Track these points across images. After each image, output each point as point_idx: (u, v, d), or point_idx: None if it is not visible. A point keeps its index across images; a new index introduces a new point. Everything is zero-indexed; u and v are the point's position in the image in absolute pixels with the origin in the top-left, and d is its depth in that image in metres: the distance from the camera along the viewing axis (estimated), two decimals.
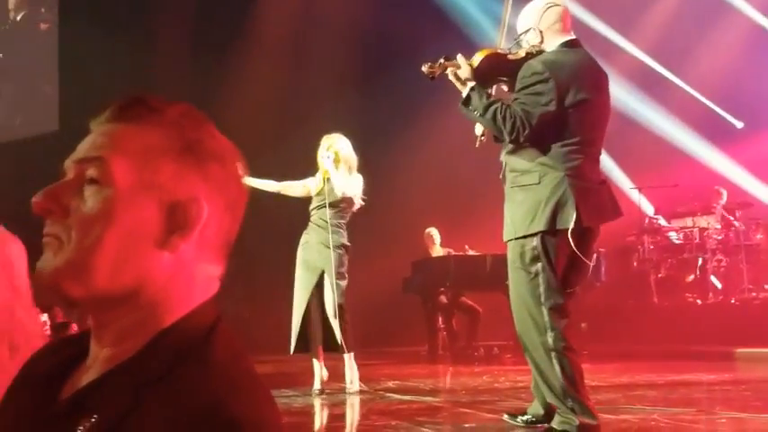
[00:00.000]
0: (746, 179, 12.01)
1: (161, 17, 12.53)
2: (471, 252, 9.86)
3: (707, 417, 4.86)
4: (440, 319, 10.22)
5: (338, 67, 12.05)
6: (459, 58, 4.03)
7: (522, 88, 3.92)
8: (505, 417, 4.37)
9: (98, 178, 0.97)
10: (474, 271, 9.36)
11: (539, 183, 3.89)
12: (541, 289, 3.88)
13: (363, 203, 6.33)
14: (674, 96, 12.48)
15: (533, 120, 3.83)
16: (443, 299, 10.02)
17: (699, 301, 10.47)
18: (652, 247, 11.08)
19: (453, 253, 9.99)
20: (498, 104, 3.90)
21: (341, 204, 6.23)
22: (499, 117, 3.86)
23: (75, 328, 7.93)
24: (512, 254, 4.00)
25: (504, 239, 4.11)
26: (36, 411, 1.00)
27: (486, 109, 3.91)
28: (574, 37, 4.11)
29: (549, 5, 4.12)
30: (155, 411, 0.88)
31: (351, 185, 6.20)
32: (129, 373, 0.93)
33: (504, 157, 4.15)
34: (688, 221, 10.98)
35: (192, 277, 1.00)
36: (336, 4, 12.04)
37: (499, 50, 4.13)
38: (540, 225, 3.85)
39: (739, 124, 12.52)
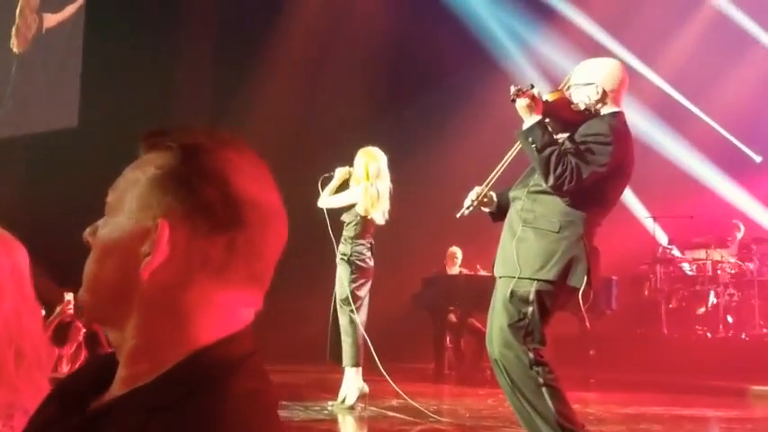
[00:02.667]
0: (763, 214, 11.93)
1: (187, 24, 12.60)
2: (482, 272, 9.81)
3: None
4: (448, 338, 10.17)
5: (362, 85, 12.06)
6: (536, 91, 4.01)
7: (582, 143, 3.92)
8: None
9: (106, 209, 1.05)
10: (483, 291, 9.22)
11: (557, 232, 3.89)
12: (528, 330, 3.88)
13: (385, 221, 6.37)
14: (693, 127, 12.42)
15: (583, 175, 3.84)
16: (453, 318, 9.98)
17: (709, 335, 10.39)
18: (664, 277, 11.02)
19: (465, 272, 9.96)
20: (557, 148, 3.89)
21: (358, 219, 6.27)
22: (554, 159, 3.84)
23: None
24: (504, 289, 3.97)
25: (498, 273, 4.10)
26: (57, 425, 1.02)
27: (545, 147, 3.88)
28: (623, 111, 4.12)
29: (617, 70, 4.14)
30: None
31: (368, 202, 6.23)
32: (142, 397, 0.94)
33: (522, 194, 4.11)
34: (702, 253, 10.91)
35: (201, 307, 0.99)
36: (362, 21, 12.05)
37: (567, 96, 4.12)
38: (550, 275, 3.85)
39: (758, 158, 12.44)
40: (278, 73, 12.11)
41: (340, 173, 6.42)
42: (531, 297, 3.87)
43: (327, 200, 6.36)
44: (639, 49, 12.23)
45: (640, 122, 11.57)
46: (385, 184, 6.34)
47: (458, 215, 4.35)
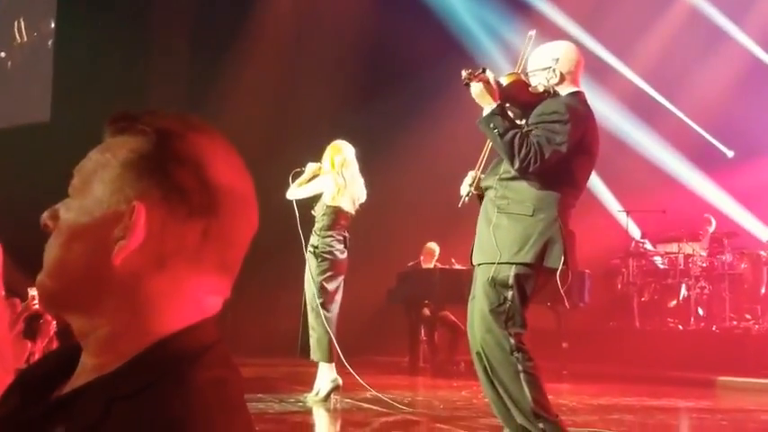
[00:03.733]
0: (734, 208, 12.05)
1: (160, 14, 12.51)
2: (457, 266, 9.85)
3: None
4: (422, 331, 10.20)
5: (337, 78, 12.04)
6: (490, 75, 4.03)
7: (539, 123, 3.95)
8: None
9: (70, 192, 1.02)
10: (458, 285, 9.31)
11: (531, 215, 3.94)
12: (509, 315, 3.92)
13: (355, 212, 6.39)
14: (666, 122, 12.52)
15: (545, 155, 3.88)
16: (427, 311, 10.01)
17: (680, 327, 10.51)
18: (637, 270, 11.13)
19: (439, 266, 9.99)
20: (519, 131, 3.93)
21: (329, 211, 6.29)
22: (516, 142, 3.88)
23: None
24: (484, 276, 4.01)
25: (476, 261, 4.14)
26: (19, 414, 1.00)
27: (506, 131, 3.92)
28: (582, 90, 4.16)
29: (572, 52, 4.19)
30: (119, 428, 0.87)
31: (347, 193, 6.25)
32: (104, 386, 0.93)
33: (493, 182, 4.15)
34: (674, 247, 11.02)
35: (171, 294, 0.98)
36: (337, 12, 12.04)
37: (523, 78, 4.14)
38: (527, 257, 3.89)
39: (730, 153, 12.57)
40: (253, 65, 12.07)
41: (311, 168, 6.44)
42: (511, 281, 3.91)
43: (295, 191, 6.38)
44: (613, 45, 12.32)
45: (614, 117, 11.66)
46: (351, 172, 6.37)
47: (459, 204, 4.36)
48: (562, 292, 3.93)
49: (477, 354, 4.11)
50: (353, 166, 6.42)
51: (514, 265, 3.93)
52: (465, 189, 4.32)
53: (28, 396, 1.03)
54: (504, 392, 3.96)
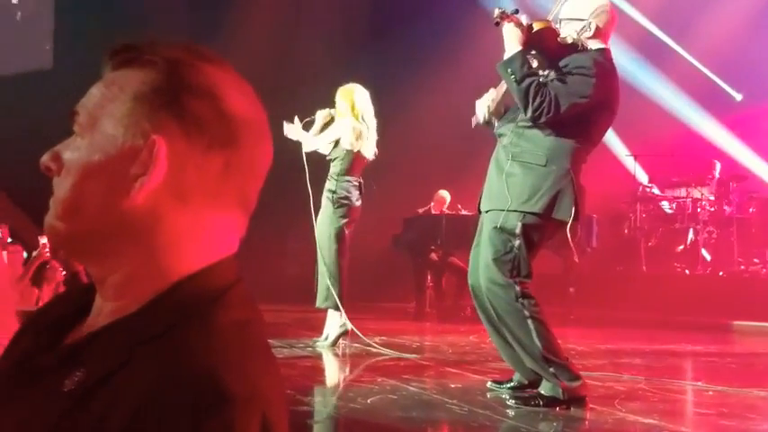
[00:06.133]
0: (743, 152, 11.97)
1: None
2: (464, 212, 9.82)
3: (693, 388, 4.89)
4: (429, 277, 10.21)
5: (342, 21, 11.89)
6: (522, 17, 3.97)
7: (565, 74, 3.90)
8: (490, 384, 4.38)
9: (76, 130, 0.96)
10: (465, 231, 9.26)
11: (544, 165, 3.92)
12: (515, 264, 3.91)
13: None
14: (674, 65, 12.37)
15: (563, 105, 3.83)
16: (434, 257, 10.01)
17: (687, 272, 10.50)
18: (644, 215, 11.09)
19: (446, 212, 9.97)
20: (536, 79, 3.89)
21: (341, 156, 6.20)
22: (532, 91, 3.84)
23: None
24: (491, 223, 3.99)
25: (485, 208, 4.11)
26: (34, 358, 0.97)
27: (523, 78, 3.88)
28: (609, 48, 4.09)
29: (609, 8, 4.13)
30: (143, 370, 0.84)
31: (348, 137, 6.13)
32: (125, 329, 0.89)
33: (507, 129, 4.10)
34: (682, 192, 10.97)
35: (193, 232, 0.94)
36: None
37: (555, 28, 4.07)
38: (536, 207, 3.88)
39: (738, 96, 12.43)
40: (255, 10, 11.91)
41: (321, 115, 6.30)
42: (518, 230, 3.89)
43: (313, 141, 6.23)
44: None
45: (621, 60, 11.49)
46: (370, 117, 6.25)
47: (473, 125, 4.30)
48: (572, 244, 3.92)
49: (480, 301, 4.10)
50: (371, 110, 6.28)
51: (523, 214, 3.91)
52: (482, 109, 4.24)
53: (40, 339, 1.00)
54: (513, 339, 3.97)
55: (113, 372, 0.86)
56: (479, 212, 4.27)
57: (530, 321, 3.87)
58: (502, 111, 4.27)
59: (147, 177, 0.91)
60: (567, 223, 3.92)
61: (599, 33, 4.06)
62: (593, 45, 4.05)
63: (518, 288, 3.90)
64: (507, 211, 3.91)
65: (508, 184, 3.95)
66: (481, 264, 4.03)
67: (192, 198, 0.94)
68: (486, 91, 4.31)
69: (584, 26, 4.03)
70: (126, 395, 0.82)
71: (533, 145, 3.98)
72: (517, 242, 3.90)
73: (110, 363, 0.87)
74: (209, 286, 0.93)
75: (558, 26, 4.10)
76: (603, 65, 3.98)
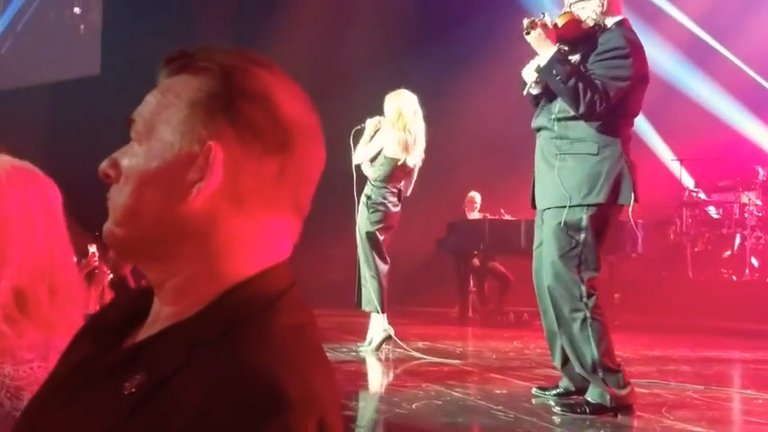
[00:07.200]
0: None
1: None
2: (507, 217, 9.79)
3: (742, 396, 4.81)
4: (471, 281, 10.18)
5: (386, 26, 11.89)
6: (547, 19, 3.96)
7: (600, 60, 3.88)
8: (535, 391, 4.35)
9: (133, 138, 0.98)
10: (508, 236, 9.28)
11: (597, 154, 3.87)
12: (582, 258, 3.86)
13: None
14: (720, 68, 12.19)
15: (611, 94, 3.81)
16: (476, 262, 9.97)
17: (734, 278, 10.34)
18: (690, 220, 10.94)
19: (489, 217, 9.93)
20: (580, 74, 3.86)
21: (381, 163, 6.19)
22: (581, 87, 3.82)
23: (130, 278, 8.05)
24: (553, 221, 3.95)
25: (543, 206, 4.07)
26: (93, 360, 0.99)
27: (569, 77, 3.85)
28: (626, 17, 4.08)
29: None
30: (202, 373, 0.85)
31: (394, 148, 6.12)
32: (184, 332, 0.91)
33: (547, 122, 4.07)
34: (728, 196, 10.81)
35: (249, 236, 0.96)
36: None
37: (576, 16, 4.05)
38: (599, 197, 3.83)
39: None
40: (300, 15, 11.97)
41: (371, 124, 6.24)
42: (584, 223, 3.86)
43: (361, 153, 6.22)
44: None
45: (667, 63, 11.38)
46: (418, 122, 6.22)
47: (524, 92, 4.24)
48: (633, 224, 3.90)
49: (543, 301, 4.06)
50: (420, 117, 6.23)
51: (587, 207, 3.86)
52: (530, 75, 4.18)
53: (99, 342, 1.02)
54: (569, 342, 3.92)
55: (173, 374, 0.87)
56: (534, 209, 4.23)
57: (589, 323, 3.83)
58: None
59: (203, 183, 0.93)
60: (628, 207, 3.91)
61: (612, 5, 4.04)
62: (611, 20, 4.03)
63: (584, 287, 3.85)
64: (569, 207, 3.88)
65: (562, 178, 3.91)
66: (546, 262, 3.99)
67: (247, 202, 0.95)
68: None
69: (598, 3, 4.01)
70: (185, 398, 0.83)
71: (580, 134, 3.94)
72: (582, 236, 3.86)
73: (169, 365, 0.88)
74: (265, 290, 0.94)
75: (573, 11, 4.08)
76: (632, 40, 3.97)
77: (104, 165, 0.99)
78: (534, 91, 4.18)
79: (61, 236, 1.59)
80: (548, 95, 4.13)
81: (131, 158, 0.97)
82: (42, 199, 1.55)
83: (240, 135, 0.94)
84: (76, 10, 14.37)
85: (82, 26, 14.33)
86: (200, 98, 0.95)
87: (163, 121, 0.96)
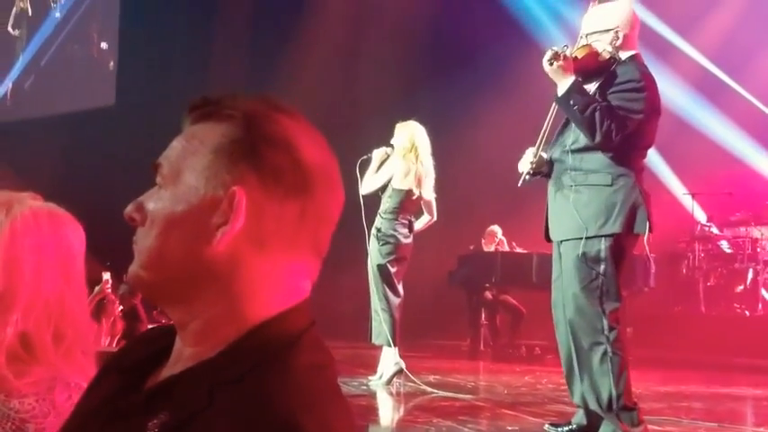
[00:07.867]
0: None
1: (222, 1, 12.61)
2: (518, 250, 9.78)
3: None
4: (483, 314, 10.15)
5: (398, 60, 11.97)
6: (567, 50, 4.01)
7: (616, 92, 3.91)
8: (547, 427, 4.32)
9: (158, 182, 1.01)
10: (520, 269, 9.28)
11: (611, 184, 3.90)
12: (603, 290, 3.86)
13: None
14: (731, 102, 12.20)
15: (627, 125, 3.84)
16: (488, 295, 9.96)
17: (747, 313, 10.28)
18: (703, 254, 10.90)
19: (501, 249, 9.92)
20: (597, 104, 3.89)
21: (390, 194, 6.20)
22: (597, 117, 3.85)
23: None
24: (572, 253, 3.95)
25: (558, 238, 4.08)
26: (118, 398, 1.01)
27: (586, 106, 3.89)
28: (638, 51, 4.12)
29: (632, 11, 4.17)
30: (224, 413, 0.87)
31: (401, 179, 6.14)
32: (206, 373, 0.93)
33: (560, 154, 4.10)
34: (741, 231, 10.78)
35: (270, 278, 0.98)
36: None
37: (594, 49, 4.09)
38: (615, 227, 3.85)
39: None
40: (314, 47, 12.07)
41: (378, 154, 6.26)
42: (603, 254, 3.86)
43: (368, 183, 6.23)
44: (678, 24, 12.04)
45: (678, 98, 11.40)
46: (427, 155, 6.24)
47: (519, 183, 4.30)
48: (648, 254, 3.90)
49: (562, 334, 4.04)
50: (429, 149, 6.28)
51: (604, 238, 3.87)
52: (525, 166, 4.25)
53: (123, 380, 1.04)
54: (587, 376, 3.90)
55: (196, 414, 0.89)
56: (548, 241, 4.23)
57: (611, 358, 3.82)
58: (544, 165, 4.25)
59: (228, 227, 0.95)
60: (643, 236, 3.91)
61: (627, 40, 4.08)
62: (625, 54, 4.08)
63: (606, 320, 3.84)
64: (587, 238, 3.89)
65: (578, 209, 3.93)
66: (566, 295, 3.98)
67: (269, 245, 0.98)
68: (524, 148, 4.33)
69: (614, 36, 4.05)
70: None
71: (594, 165, 3.97)
72: (602, 267, 3.86)
73: (192, 405, 0.90)
74: (286, 331, 0.97)
75: (589, 43, 4.12)
76: (646, 73, 4.01)
77: (130, 208, 1.02)
78: (528, 178, 4.26)
79: (75, 282, 1.57)
80: (560, 127, 4.18)
81: (157, 202, 1.00)
82: (58, 244, 1.54)
83: (263, 179, 0.97)
84: (103, 45, 14.53)
85: (111, 63, 14.46)
86: (223, 144, 0.98)
87: (188, 166, 0.99)
